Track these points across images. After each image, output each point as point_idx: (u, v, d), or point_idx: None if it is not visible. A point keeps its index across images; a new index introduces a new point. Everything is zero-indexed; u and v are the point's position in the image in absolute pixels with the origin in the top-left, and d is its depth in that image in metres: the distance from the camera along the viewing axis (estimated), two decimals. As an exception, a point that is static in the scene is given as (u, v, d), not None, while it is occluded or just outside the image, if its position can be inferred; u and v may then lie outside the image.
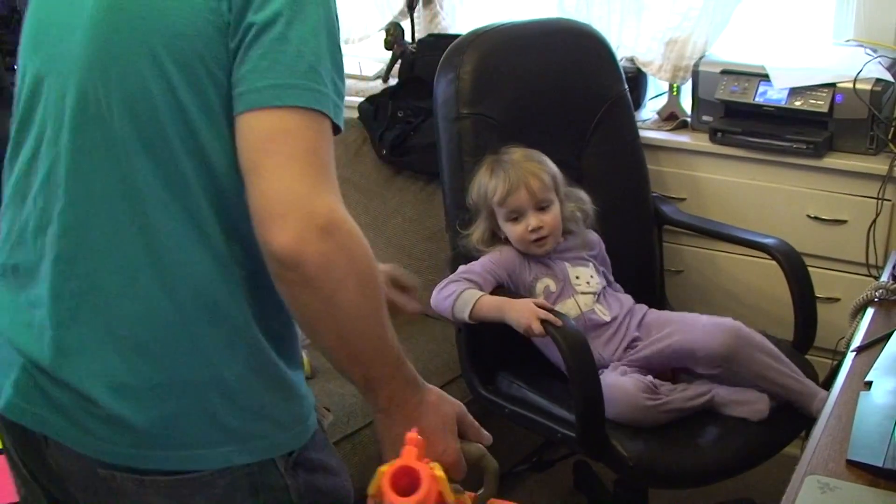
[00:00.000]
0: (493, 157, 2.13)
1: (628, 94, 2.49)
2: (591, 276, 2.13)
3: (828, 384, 1.49)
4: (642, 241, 2.46)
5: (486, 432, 1.26)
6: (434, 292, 2.06)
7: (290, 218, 1.02)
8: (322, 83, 1.06)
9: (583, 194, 2.18)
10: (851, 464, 1.25)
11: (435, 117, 2.32)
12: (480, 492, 1.21)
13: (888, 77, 2.38)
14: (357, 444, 2.11)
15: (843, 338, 1.64)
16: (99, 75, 1.10)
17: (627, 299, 2.17)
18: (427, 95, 3.00)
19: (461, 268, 2.09)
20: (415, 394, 1.17)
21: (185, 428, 1.14)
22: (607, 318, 2.09)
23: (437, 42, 3.11)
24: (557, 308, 2.03)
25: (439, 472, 1.04)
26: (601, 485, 2.46)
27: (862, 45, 2.51)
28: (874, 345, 1.54)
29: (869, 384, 1.42)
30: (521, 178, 2.06)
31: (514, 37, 2.37)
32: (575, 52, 2.43)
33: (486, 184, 2.09)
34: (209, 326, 1.14)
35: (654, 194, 2.53)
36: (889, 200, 2.41)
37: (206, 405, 1.14)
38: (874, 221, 2.40)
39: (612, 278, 2.22)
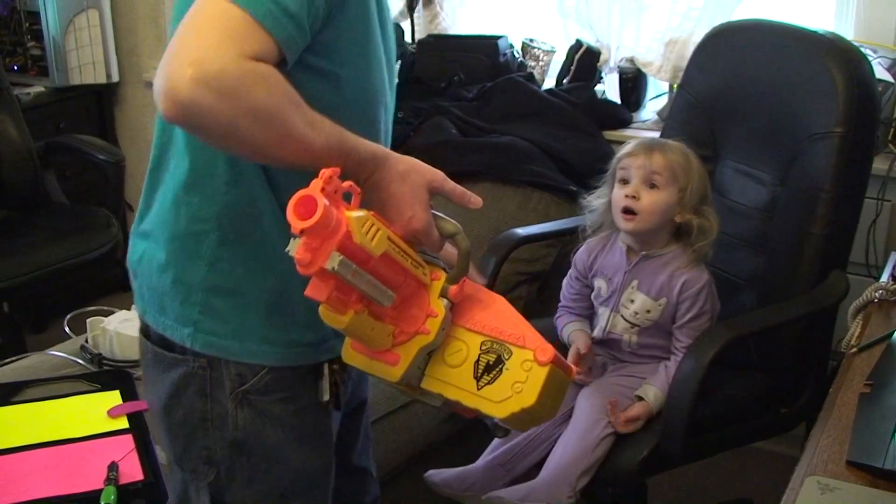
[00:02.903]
0: None
1: (853, 139, 1.96)
2: (648, 312, 1.91)
3: (828, 384, 1.49)
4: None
5: (473, 196, 1.27)
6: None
7: (158, 79, 1.07)
8: None
9: (711, 227, 1.90)
10: (851, 464, 1.25)
11: None
12: (451, 272, 1.23)
13: (888, 77, 2.38)
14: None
15: (843, 338, 1.64)
16: None
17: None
18: (427, 96, 3.01)
19: (562, 296, 2.06)
20: (377, 167, 1.21)
21: (167, 301, 1.30)
22: (626, 349, 1.96)
23: (437, 43, 3.12)
24: (596, 316, 1.98)
25: (355, 214, 1.08)
26: (600, 487, 2.45)
27: (862, 46, 2.51)
28: (874, 345, 1.55)
29: (869, 384, 1.42)
30: (650, 147, 1.91)
31: (759, 32, 2.20)
32: (806, 68, 2.04)
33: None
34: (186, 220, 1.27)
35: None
36: (889, 201, 2.41)
37: (177, 289, 1.29)
38: (874, 222, 2.40)
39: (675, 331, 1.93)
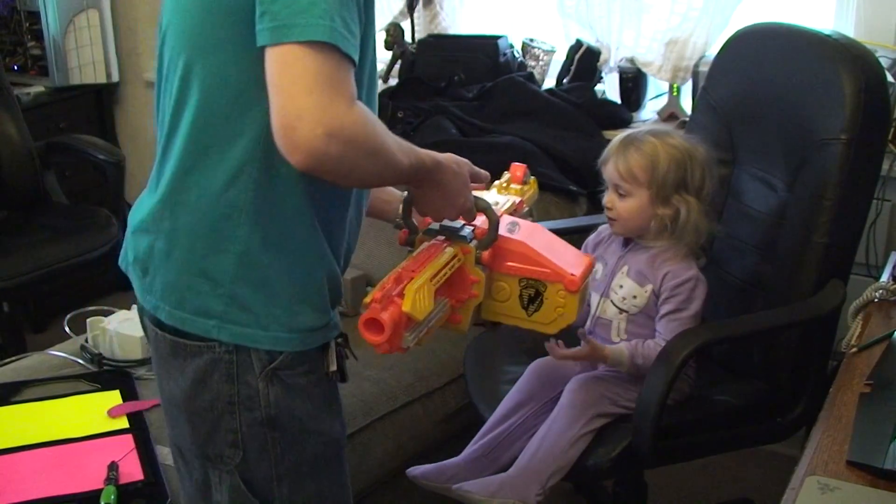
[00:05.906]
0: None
1: (858, 146, 1.91)
2: (635, 297, 1.91)
3: (828, 384, 1.49)
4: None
5: (483, 171, 1.60)
6: None
7: (287, 139, 1.16)
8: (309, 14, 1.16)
9: (681, 215, 1.88)
10: (851, 464, 1.25)
11: None
12: (484, 239, 1.51)
13: (888, 77, 2.37)
14: (357, 445, 2.11)
15: (843, 338, 1.64)
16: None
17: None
18: (427, 96, 3.01)
19: None
20: (438, 171, 1.39)
21: (188, 294, 1.33)
22: (616, 340, 1.94)
23: (437, 42, 3.12)
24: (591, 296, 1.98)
25: (408, 305, 1.30)
26: (601, 487, 2.46)
27: (861, 46, 2.51)
28: (874, 345, 1.55)
29: (869, 384, 1.42)
30: (617, 152, 1.91)
31: (776, 36, 2.17)
32: (818, 72, 1.99)
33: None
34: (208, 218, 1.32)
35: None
36: (889, 201, 2.41)
37: (200, 283, 1.32)
38: (874, 222, 2.40)
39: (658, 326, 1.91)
